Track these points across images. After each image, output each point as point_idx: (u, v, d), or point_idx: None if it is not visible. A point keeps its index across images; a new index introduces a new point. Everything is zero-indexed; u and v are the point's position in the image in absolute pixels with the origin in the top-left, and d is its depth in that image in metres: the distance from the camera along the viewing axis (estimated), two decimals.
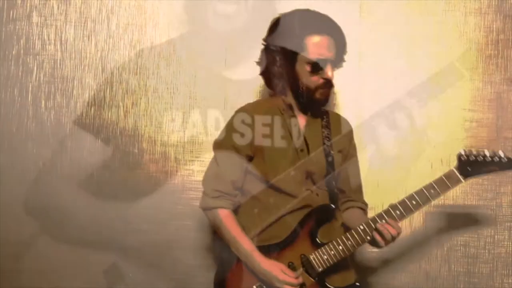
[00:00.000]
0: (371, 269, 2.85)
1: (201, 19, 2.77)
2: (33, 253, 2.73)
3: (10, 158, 2.85)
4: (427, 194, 2.33)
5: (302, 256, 2.31)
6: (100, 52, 2.86)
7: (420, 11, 2.87)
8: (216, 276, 2.36)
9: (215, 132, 2.68)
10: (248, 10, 2.69)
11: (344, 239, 2.32)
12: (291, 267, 2.29)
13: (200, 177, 2.45)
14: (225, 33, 2.74)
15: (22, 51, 2.88)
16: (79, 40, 2.85)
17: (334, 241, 2.31)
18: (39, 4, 2.86)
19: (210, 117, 2.70)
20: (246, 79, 2.73)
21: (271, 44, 2.40)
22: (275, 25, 2.41)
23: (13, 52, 2.88)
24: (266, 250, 2.31)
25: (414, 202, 2.33)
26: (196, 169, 2.83)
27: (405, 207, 2.33)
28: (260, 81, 2.50)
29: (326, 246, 2.31)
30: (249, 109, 2.42)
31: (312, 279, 2.30)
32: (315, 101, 2.38)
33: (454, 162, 2.81)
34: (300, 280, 2.27)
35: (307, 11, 2.41)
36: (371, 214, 2.48)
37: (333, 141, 2.43)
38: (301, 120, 2.43)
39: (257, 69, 2.48)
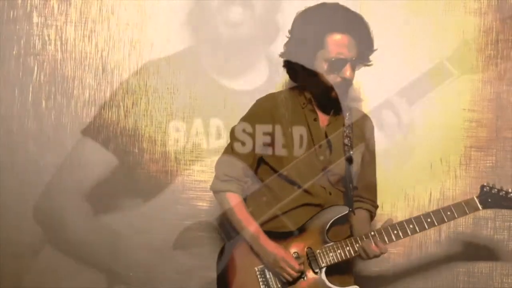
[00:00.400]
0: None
1: (204, 24, 2.77)
2: (33, 253, 2.73)
3: (10, 158, 2.85)
4: (444, 215, 2.38)
5: (308, 248, 2.33)
6: (101, 52, 2.86)
7: (420, 11, 2.87)
8: (219, 255, 2.40)
9: (216, 134, 2.69)
10: (254, 19, 2.68)
11: (353, 241, 2.34)
12: (296, 257, 2.33)
13: (200, 177, 2.47)
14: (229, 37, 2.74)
15: (22, 51, 2.88)
16: (79, 40, 2.86)
17: (342, 241, 2.34)
18: (39, 4, 2.86)
19: (211, 118, 2.70)
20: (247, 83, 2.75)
21: (293, 37, 2.39)
22: (300, 17, 2.39)
23: (14, 52, 2.88)
24: (274, 236, 2.35)
25: (429, 220, 2.37)
26: (196, 169, 2.83)
27: (419, 223, 2.36)
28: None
29: (334, 245, 2.33)
30: (269, 99, 2.44)
31: (313, 272, 2.31)
32: (331, 99, 2.37)
33: (453, 162, 2.84)
34: (301, 267, 2.30)
35: (334, 6, 2.39)
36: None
37: (354, 140, 2.44)
38: (322, 116, 2.43)
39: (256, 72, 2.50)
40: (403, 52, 2.83)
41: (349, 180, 2.42)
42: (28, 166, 2.84)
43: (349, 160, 2.41)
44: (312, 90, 2.41)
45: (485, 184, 2.43)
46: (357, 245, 2.33)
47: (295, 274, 2.29)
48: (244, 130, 2.39)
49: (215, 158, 2.50)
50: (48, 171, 2.81)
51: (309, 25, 2.35)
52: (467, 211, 2.40)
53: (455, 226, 2.85)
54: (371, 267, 2.83)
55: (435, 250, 2.86)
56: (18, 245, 2.81)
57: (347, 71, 2.31)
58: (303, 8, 2.41)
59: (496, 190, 2.41)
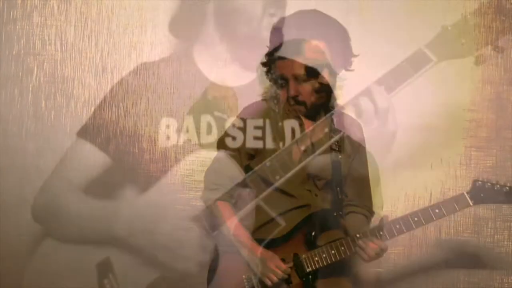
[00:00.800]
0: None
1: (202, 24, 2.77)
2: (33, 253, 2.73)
3: (9, 159, 2.85)
4: (431, 213, 2.33)
5: (295, 254, 2.32)
6: (100, 52, 2.86)
7: (419, 11, 2.87)
8: (211, 263, 2.41)
9: (215, 132, 2.69)
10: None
11: (338, 244, 2.32)
12: (283, 262, 2.32)
13: (199, 177, 2.47)
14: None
15: (22, 51, 2.88)
16: (79, 40, 2.85)
17: (328, 245, 2.32)
18: (39, 4, 2.86)
19: (210, 118, 2.70)
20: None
21: (271, 47, 2.42)
22: (277, 26, 2.43)
23: (13, 52, 2.88)
24: (262, 244, 2.34)
25: (416, 219, 2.33)
26: (196, 169, 2.83)
27: (406, 223, 2.32)
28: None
29: (320, 249, 2.32)
30: (253, 108, 2.46)
31: (299, 278, 2.31)
32: (312, 106, 2.39)
33: (453, 163, 2.84)
34: (288, 269, 2.30)
35: (311, 12, 2.43)
36: None
37: (341, 144, 2.43)
38: (307, 122, 2.43)
39: None
40: (401, 53, 2.83)
41: (336, 184, 2.41)
42: (27, 167, 2.83)
43: (337, 164, 2.41)
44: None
45: (477, 178, 2.36)
46: (342, 248, 2.31)
47: (280, 274, 2.28)
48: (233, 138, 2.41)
49: None
50: (47, 171, 2.81)
51: (286, 33, 2.38)
52: (457, 208, 2.35)
53: (455, 226, 2.85)
54: (373, 268, 2.82)
55: (435, 250, 2.87)
56: (18, 244, 2.81)
57: (324, 77, 2.36)
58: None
59: (490, 184, 2.35)
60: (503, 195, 2.33)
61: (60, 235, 2.54)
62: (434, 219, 2.32)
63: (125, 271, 2.44)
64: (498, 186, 2.33)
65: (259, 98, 2.45)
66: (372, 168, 2.55)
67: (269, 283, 2.29)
